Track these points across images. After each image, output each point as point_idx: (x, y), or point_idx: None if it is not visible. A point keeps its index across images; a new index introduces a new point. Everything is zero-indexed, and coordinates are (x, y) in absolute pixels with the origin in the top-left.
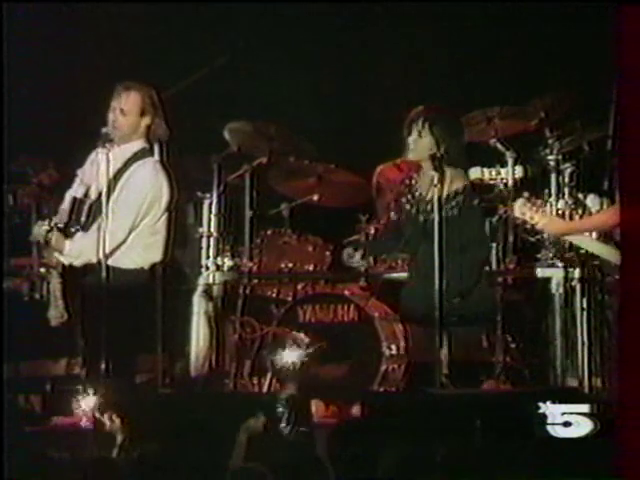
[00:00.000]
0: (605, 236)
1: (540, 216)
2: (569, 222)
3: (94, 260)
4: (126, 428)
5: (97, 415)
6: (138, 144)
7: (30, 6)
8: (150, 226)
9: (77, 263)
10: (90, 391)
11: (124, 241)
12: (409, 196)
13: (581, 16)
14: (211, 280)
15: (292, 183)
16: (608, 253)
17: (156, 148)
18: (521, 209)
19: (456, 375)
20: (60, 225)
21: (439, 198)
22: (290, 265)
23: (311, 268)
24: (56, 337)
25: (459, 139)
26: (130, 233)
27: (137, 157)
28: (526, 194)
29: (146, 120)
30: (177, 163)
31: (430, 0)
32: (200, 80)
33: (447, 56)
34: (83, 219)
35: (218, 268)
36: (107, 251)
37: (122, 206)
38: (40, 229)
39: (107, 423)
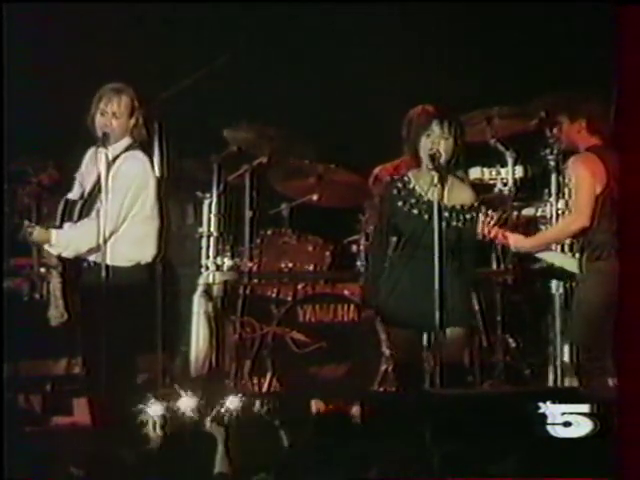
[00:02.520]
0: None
1: (503, 235)
2: (532, 238)
3: (83, 250)
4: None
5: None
6: (125, 141)
7: (30, 6)
8: (141, 216)
9: (66, 254)
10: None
11: (115, 230)
12: (404, 195)
13: (581, 16)
14: (211, 280)
15: (292, 183)
16: (569, 264)
17: (155, 142)
18: (484, 228)
19: (443, 376)
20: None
21: (439, 200)
22: (290, 265)
23: (311, 268)
24: (56, 337)
25: (465, 140)
26: (121, 221)
27: (124, 151)
28: (483, 210)
29: (133, 120)
30: (175, 162)
31: (430, 0)
32: (200, 80)
33: (447, 56)
34: (75, 217)
35: (218, 268)
36: (100, 241)
37: (110, 196)
38: (22, 232)
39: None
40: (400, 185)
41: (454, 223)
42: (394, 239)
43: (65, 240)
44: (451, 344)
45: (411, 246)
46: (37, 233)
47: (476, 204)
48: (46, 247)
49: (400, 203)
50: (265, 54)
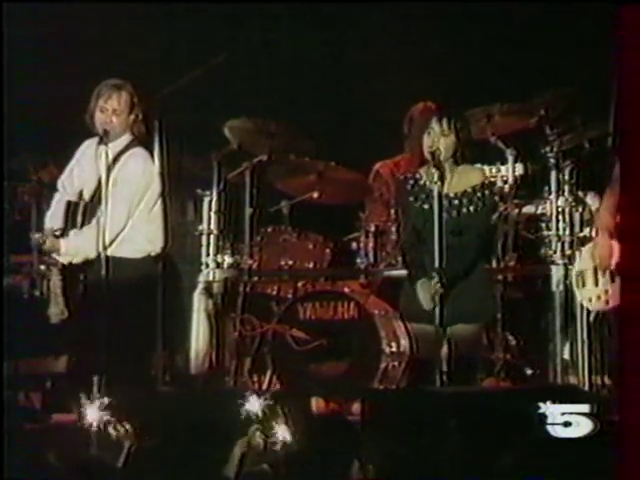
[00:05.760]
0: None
1: None
2: None
3: (92, 256)
4: (135, 435)
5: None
6: (126, 138)
7: (30, 5)
8: (147, 213)
9: (76, 261)
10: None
11: (122, 230)
12: (416, 190)
13: (582, 13)
14: (211, 277)
15: (292, 180)
16: None
17: (156, 139)
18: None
19: (454, 372)
20: (56, 233)
21: (439, 194)
22: (290, 262)
23: (311, 265)
24: (56, 334)
25: (470, 134)
26: (127, 221)
27: (126, 149)
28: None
29: (132, 116)
30: (175, 159)
31: None
32: (200, 77)
33: (447, 53)
34: (79, 220)
35: (218, 265)
36: (107, 243)
37: (117, 196)
38: (34, 242)
39: (113, 433)
40: (412, 182)
41: (464, 210)
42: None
43: (74, 248)
44: (463, 340)
45: (425, 240)
46: (49, 243)
47: (487, 181)
48: (54, 255)
49: (412, 198)
50: (265, 51)
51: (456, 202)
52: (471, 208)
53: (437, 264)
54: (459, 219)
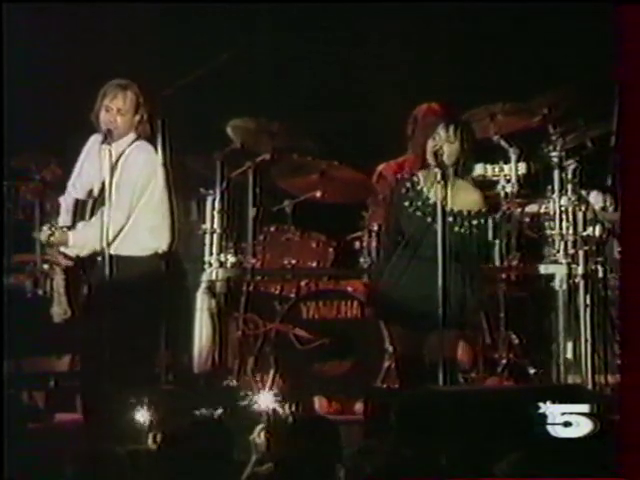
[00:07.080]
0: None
1: None
2: None
3: (100, 248)
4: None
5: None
6: (130, 138)
7: (30, 5)
8: (152, 206)
9: (84, 254)
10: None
11: (126, 223)
12: (412, 195)
13: (584, 13)
14: (214, 277)
15: (295, 180)
16: None
17: (159, 139)
18: None
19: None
20: (63, 227)
21: (444, 197)
22: (293, 262)
23: (314, 265)
24: (60, 333)
25: (474, 143)
26: (130, 213)
27: (129, 145)
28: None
29: (137, 117)
30: (179, 159)
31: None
32: (203, 77)
33: (450, 53)
34: (87, 216)
35: (221, 265)
36: (111, 237)
37: (119, 190)
38: (43, 235)
39: (150, 442)
40: (409, 185)
41: (457, 229)
42: (399, 238)
43: (82, 240)
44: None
45: (412, 247)
46: (57, 235)
47: (484, 210)
48: (62, 249)
49: (407, 203)
50: (268, 51)
51: (450, 219)
52: (463, 230)
53: (439, 268)
54: (450, 236)
